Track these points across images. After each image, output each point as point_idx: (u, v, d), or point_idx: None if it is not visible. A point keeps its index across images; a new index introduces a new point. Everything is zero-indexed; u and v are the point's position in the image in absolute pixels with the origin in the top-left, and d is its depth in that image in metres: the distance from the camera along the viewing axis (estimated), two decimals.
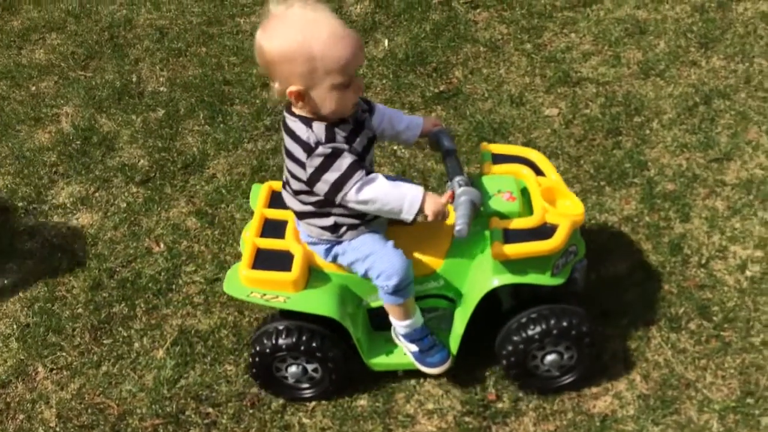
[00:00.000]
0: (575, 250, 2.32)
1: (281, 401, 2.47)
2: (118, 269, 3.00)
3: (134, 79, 4.02)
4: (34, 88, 4.05)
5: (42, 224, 3.25)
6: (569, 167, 3.17)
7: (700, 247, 2.76)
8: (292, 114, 2.08)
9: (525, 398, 2.41)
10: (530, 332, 2.26)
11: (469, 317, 2.28)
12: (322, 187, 2.06)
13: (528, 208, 2.29)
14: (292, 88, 1.97)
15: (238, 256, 2.95)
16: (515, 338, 2.28)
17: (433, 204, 2.09)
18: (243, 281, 2.28)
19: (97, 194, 3.38)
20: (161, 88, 3.94)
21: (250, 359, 2.37)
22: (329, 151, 2.01)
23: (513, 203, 2.24)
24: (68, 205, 3.34)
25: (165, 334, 2.72)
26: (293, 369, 2.38)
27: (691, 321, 2.53)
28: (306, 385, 2.45)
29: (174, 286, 2.90)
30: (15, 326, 2.83)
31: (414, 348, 2.36)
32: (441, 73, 3.78)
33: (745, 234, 2.78)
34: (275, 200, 2.44)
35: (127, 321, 2.80)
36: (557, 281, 2.24)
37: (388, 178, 2.12)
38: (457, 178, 2.16)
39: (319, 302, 2.27)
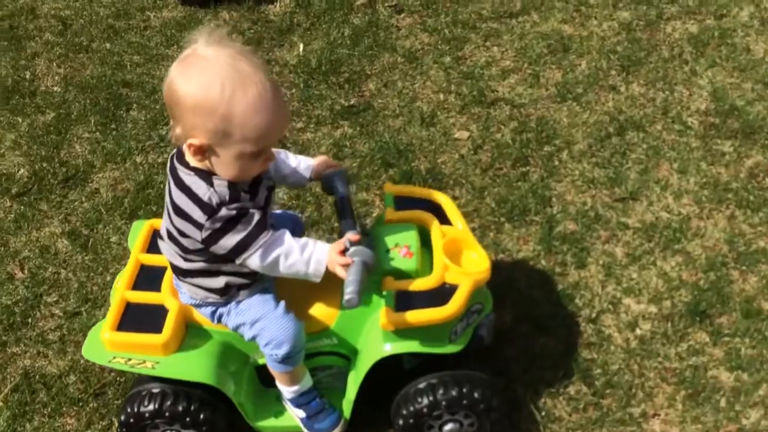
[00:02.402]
0: (479, 309, 2.11)
1: None
2: None
3: (28, 76, 3.74)
4: None
5: None
6: (471, 199, 2.98)
7: (593, 298, 2.59)
8: (186, 165, 1.83)
9: None
10: (427, 400, 2.08)
11: (361, 381, 2.10)
12: (220, 249, 1.84)
13: (428, 263, 2.10)
14: (194, 141, 1.73)
15: (106, 287, 2.75)
16: (411, 407, 2.10)
17: (333, 260, 1.86)
18: (106, 344, 2.06)
19: None
20: (55, 88, 3.67)
21: (121, 424, 2.15)
22: (234, 213, 1.79)
23: (410, 260, 2.04)
24: None
25: (7, 378, 2.50)
26: None
27: (571, 385, 2.36)
28: None
29: (30, 320, 2.68)
30: None
31: (301, 413, 2.17)
32: (354, 84, 3.54)
33: (641, 285, 2.60)
34: (156, 243, 2.16)
35: None
36: (455, 348, 2.05)
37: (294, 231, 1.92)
38: (349, 234, 1.94)
39: (193, 367, 2.06)
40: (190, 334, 2.12)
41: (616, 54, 3.48)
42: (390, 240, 2.10)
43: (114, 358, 2.07)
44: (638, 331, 2.48)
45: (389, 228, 2.15)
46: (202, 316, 2.09)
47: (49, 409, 2.41)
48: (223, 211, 1.79)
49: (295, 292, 2.09)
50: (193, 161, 1.82)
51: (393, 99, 3.44)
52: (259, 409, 2.23)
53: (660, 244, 2.72)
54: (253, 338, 2.03)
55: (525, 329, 2.53)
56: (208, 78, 1.67)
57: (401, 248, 2.09)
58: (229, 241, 1.83)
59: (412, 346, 2.03)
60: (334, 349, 2.18)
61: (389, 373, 2.16)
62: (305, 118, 3.38)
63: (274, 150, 2.06)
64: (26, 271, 2.85)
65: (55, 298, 2.75)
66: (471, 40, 3.69)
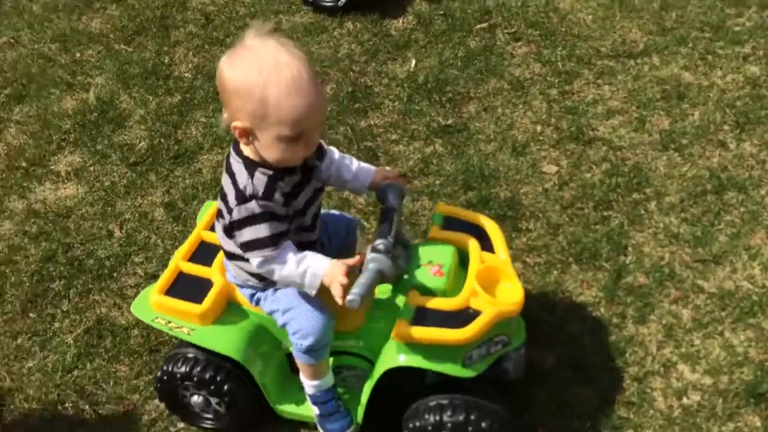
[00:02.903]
0: (504, 341, 2.10)
1: (153, 415, 2.48)
2: (74, 246, 3.10)
3: (166, 61, 4.12)
4: (78, 54, 4.23)
5: (32, 187, 3.42)
6: (544, 234, 2.92)
7: (645, 356, 2.46)
8: (239, 153, 1.98)
9: None
10: (433, 419, 2.09)
11: (373, 387, 2.16)
12: (237, 238, 1.98)
13: (461, 286, 2.11)
14: (238, 124, 1.87)
15: None
16: (417, 422, 2.13)
17: (333, 276, 1.91)
18: (152, 305, 2.26)
19: (91, 168, 3.50)
20: (186, 74, 4.00)
21: (157, 379, 2.35)
22: (259, 211, 1.91)
23: (439, 279, 2.09)
24: (63, 174, 3.48)
25: (82, 321, 2.79)
26: (195, 399, 2.35)
27: None
28: (209, 416, 2.40)
29: (116, 274, 2.96)
30: None
31: (316, 410, 2.27)
32: (455, 104, 3.58)
33: (701, 354, 2.44)
34: None
35: (58, 299, 2.89)
36: (468, 373, 2.05)
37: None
38: (378, 242, 2.01)
39: (223, 341, 2.21)
40: (230, 311, 2.27)
41: (733, 109, 3.27)
42: (425, 256, 2.13)
43: (156, 318, 2.26)
44: (685, 401, 2.33)
45: (429, 245, 2.19)
46: (242, 296, 2.22)
47: (110, 355, 2.66)
48: (252, 203, 1.90)
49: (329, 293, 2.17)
50: (246, 150, 1.95)
51: (490, 124, 3.44)
52: (282, 393, 2.34)
53: (733, 315, 2.53)
54: (284, 325, 2.13)
55: (565, 374, 2.45)
56: (249, 64, 1.80)
57: (434, 266, 2.11)
58: (244, 235, 1.94)
59: (424, 362, 2.04)
60: (360, 351, 2.24)
61: (413, 387, 2.19)
62: (401, 131, 3.47)
63: (339, 153, 2.19)
64: (123, 231, 3.15)
65: (141, 260, 3.02)
66: (582, 76, 3.61)
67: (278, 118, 1.80)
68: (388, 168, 2.29)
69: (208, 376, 2.25)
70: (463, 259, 2.18)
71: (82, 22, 4.50)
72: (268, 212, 1.92)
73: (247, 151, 1.95)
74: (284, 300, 2.12)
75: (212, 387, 2.27)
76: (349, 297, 1.88)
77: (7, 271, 3.03)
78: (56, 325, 2.81)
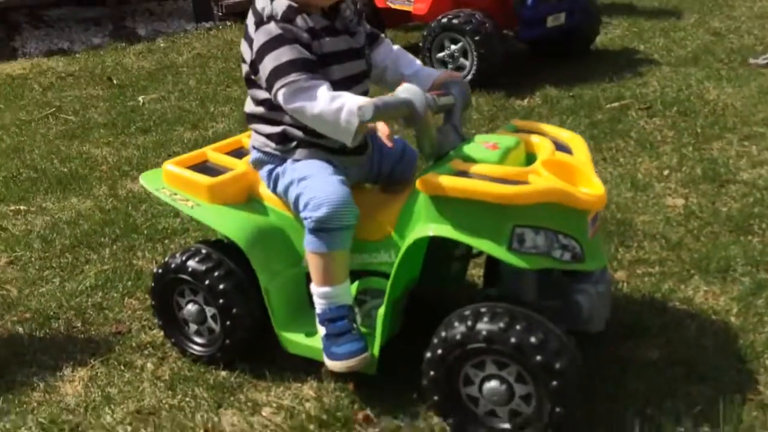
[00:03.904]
0: (574, 249, 1.57)
1: (145, 341, 2.08)
2: (139, 216, 2.93)
3: None
4: (213, 109, 4.39)
5: (124, 183, 3.39)
6: (658, 250, 2.35)
7: None
8: None
9: None
10: (464, 327, 1.53)
11: (398, 293, 1.70)
12: (262, 72, 1.74)
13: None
14: None
15: None
16: (443, 332, 1.57)
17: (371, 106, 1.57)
18: (163, 174, 2.02)
19: None
20: None
21: (155, 273, 2.02)
22: (278, 32, 1.70)
23: (492, 152, 1.65)
24: None
25: (114, 264, 2.56)
26: (190, 308, 1.97)
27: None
28: (196, 338, 2.00)
29: (167, 241, 2.72)
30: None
31: (322, 331, 1.79)
32: None
33: None
34: None
35: (101, 247, 2.69)
36: (514, 260, 1.53)
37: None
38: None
39: (227, 221, 1.88)
40: (249, 205, 1.93)
41: None
42: (484, 138, 1.72)
43: (162, 188, 1.98)
44: None
45: (493, 134, 1.78)
46: (264, 186, 1.90)
47: (125, 291, 2.40)
48: (271, 25, 1.69)
49: (358, 196, 1.79)
50: None
51: (607, 168, 3.02)
52: (291, 318, 1.88)
53: None
54: (296, 200, 1.77)
55: (676, 371, 1.79)
56: None
57: (489, 143, 1.68)
58: (266, 66, 1.69)
59: (459, 234, 1.56)
60: (389, 270, 1.75)
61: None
62: None
63: (399, 47, 1.94)
64: None
65: (198, 236, 2.76)
66: (725, 139, 3.15)
67: None
68: (455, 73, 1.98)
69: (205, 267, 1.88)
70: (531, 161, 1.74)
71: (227, 89, 4.79)
72: (290, 35, 1.68)
73: None
74: (302, 169, 1.78)
75: (207, 283, 1.87)
76: (360, 103, 1.51)
77: (64, 223, 2.91)
78: (86, 266, 2.58)
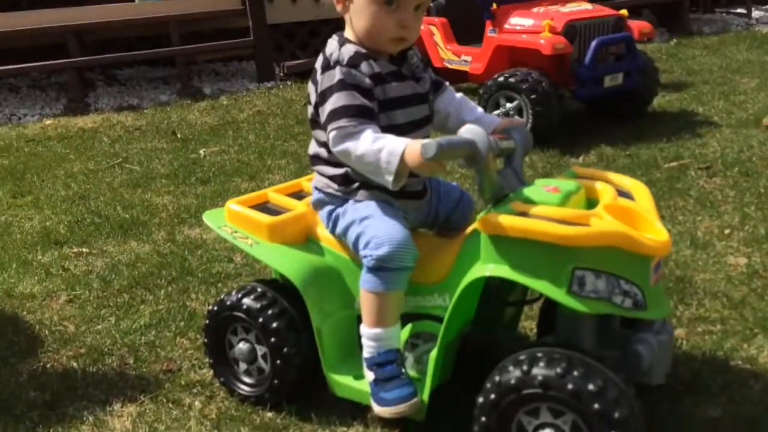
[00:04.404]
0: (636, 296, 1.53)
1: (194, 379, 2.10)
2: (194, 261, 3.00)
3: None
4: (270, 162, 4.51)
5: (182, 229, 3.49)
6: (720, 308, 2.26)
7: None
8: (339, 33, 1.88)
9: None
10: (519, 372, 1.49)
11: (451, 336, 1.68)
12: (322, 114, 1.79)
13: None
14: None
15: None
16: (497, 377, 1.54)
17: (416, 154, 1.59)
18: (225, 213, 2.07)
19: None
20: None
21: (209, 310, 2.05)
22: (340, 77, 1.75)
23: (553, 195, 1.64)
24: None
25: (169, 305, 2.60)
26: (241, 346, 1.98)
27: None
28: (245, 378, 2.01)
29: (220, 285, 2.77)
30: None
31: (371, 376, 1.78)
32: None
33: None
34: None
35: (157, 288, 2.74)
36: (574, 304, 1.50)
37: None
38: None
39: (285, 260, 1.90)
40: (307, 245, 1.95)
41: None
42: (544, 182, 1.71)
43: (224, 226, 2.02)
44: None
45: (554, 179, 1.77)
46: (322, 227, 1.92)
47: (178, 331, 2.43)
48: (336, 69, 1.73)
49: (415, 239, 1.79)
50: (346, 28, 1.82)
51: (666, 225, 2.94)
52: (341, 359, 1.88)
53: None
54: (356, 240, 1.78)
55: (734, 429, 1.68)
56: None
57: (550, 186, 1.67)
58: (327, 108, 1.73)
59: (518, 275, 1.54)
60: (443, 314, 1.74)
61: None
62: None
63: (465, 98, 1.98)
64: (244, 260, 3.01)
65: (250, 279, 2.82)
66: None
67: None
68: (517, 119, 1.99)
69: (260, 305, 1.89)
70: (592, 207, 1.71)
71: (284, 144, 4.91)
72: (351, 81, 1.73)
73: (346, 30, 1.84)
74: (363, 209, 1.80)
75: (261, 321, 1.88)
76: (424, 141, 1.52)
77: (123, 265, 2.99)
78: (142, 306, 2.63)
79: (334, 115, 1.72)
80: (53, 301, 2.73)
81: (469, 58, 4.75)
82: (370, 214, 1.78)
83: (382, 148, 1.65)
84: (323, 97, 1.76)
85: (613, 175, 1.86)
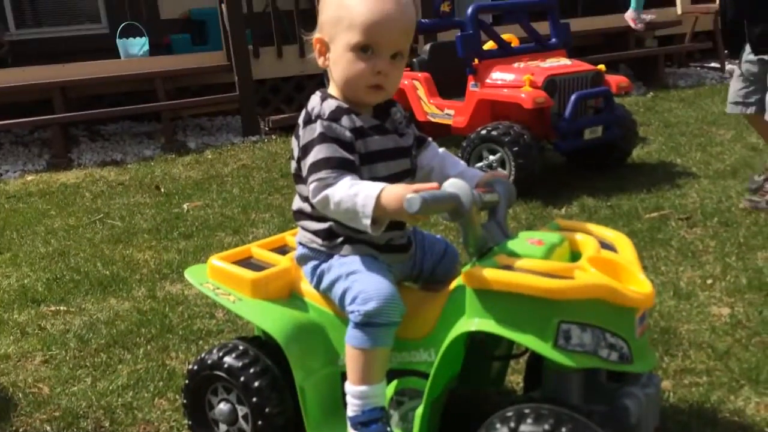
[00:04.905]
0: (622, 349, 1.52)
1: None
2: (174, 318, 2.95)
3: None
4: (254, 216, 4.49)
5: (163, 285, 3.44)
6: (705, 359, 2.25)
7: None
8: (322, 89, 1.90)
9: None
10: (506, 429, 1.48)
11: (437, 392, 1.66)
12: (303, 168, 1.79)
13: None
14: (318, 35, 1.83)
15: None
16: None
17: (394, 197, 1.59)
18: (208, 269, 2.04)
19: None
20: None
21: (189, 369, 2.00)
22: (321, 129, 1.76)
23: (537, 248, 1.64)
24: None
25: (147, 364, 2.54)
26: (222, 407, 1.93)
27: None
28: None
29: (201, 342, 2.71)
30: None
31: None
32: None
33: None
34: None
35: (135, 347, 2.68)
36: (560, 358, 1.49)
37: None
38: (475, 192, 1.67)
39: (267, 317, 1.88)
40: (291, 301, 1.93)
41: None
42: (528, 234, 1.71)
43: (207, 282, 1.99)
44: None
45: (538, 231, 1.77)
46: (306, 283, 1.90)
47: (156, 391, 2.38)
48: (317, 123, 1.74)
49: (401, 293, 1.78)
50: (333, 90, 1.84)
51: (648, 275, 2.93)
52: (325, 418, 1.83)
53: None
54: (343, 295, 1.76)
55: None
56: None
57: (534, 239, 1.67)
58: (308, 161, 1.74)
59: (504, 329, 1.52)
60: (428, 370, 1.71)
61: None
62: None
63: (449, 154, 1.99)
64: (226, 316, 2.97)
65: (232, 337, 2.78)
66: None
67: (350, 20, 1.71)
68: (500, 170, 2.00)
69: (241, 363, 1.85)
70: (575, 259, 1.71)
71: (269, 197, 4.90)
72: (331, 134, 1.73)
73: (330, 89, 1.85)
74: (349, 264, 1.78)
75: (243, 380, 1.84)
76: (408, 195, 1.52)
77: (101, 323, 2.93)
78: (120, 365, 2.57)
79: (315, 167, 1.72)
80: (28, 361, 2.66)
81: (452, 112, 4.82)
82: (356, 269, 1.77)
83: (358, 192, 1.65)
84: (305, 151, 1.76)
85: (595, 227, 1.87)
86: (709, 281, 2.86)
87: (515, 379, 2.21)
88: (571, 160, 4.78)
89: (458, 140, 4.49)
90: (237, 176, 5.35)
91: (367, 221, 1.63)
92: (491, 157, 4.18)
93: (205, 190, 5.03)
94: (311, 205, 1.81)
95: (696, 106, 6.55)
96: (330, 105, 1.79)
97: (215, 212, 4.49)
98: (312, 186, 1.72)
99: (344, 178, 1.70)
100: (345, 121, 1.77)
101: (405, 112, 1.95)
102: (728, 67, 8.55)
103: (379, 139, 1.81)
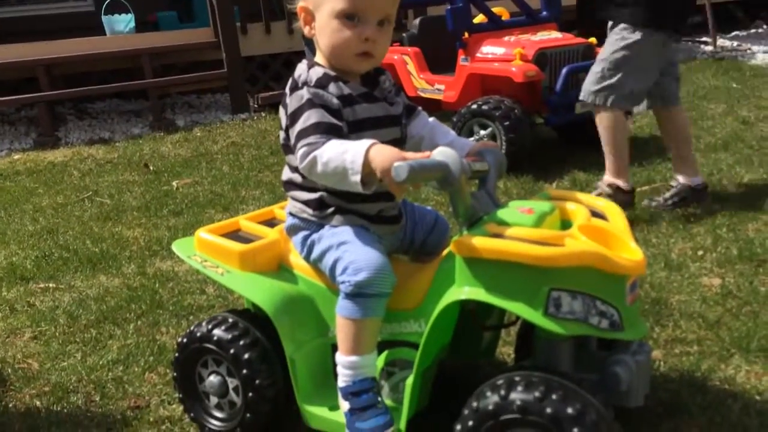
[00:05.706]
0: (612, 316, 1.51)
1: (163, 416, 2.02)
2: (164, 293, 2.93)
3: None
4: (244, 193, 4.48)
5: (153, 262, 3.42)
6: (696, 329, 2.25)
7: None
8: (309, 58, 1.87)
9: None
10: (497, 397, 1.46)
11: (427, 362, 1.65)
12: (292, 136, 1.76)
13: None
14: (302, 3, 1.79)
15: None
16: (475, 403, 1.50)
17: (383, 157, 1.57)
18: (195, 241, 2.02)
19: None
20: None
21: (179, 342, 1.98)
22: (308, 96, 1.73)
23: (527, 216, 1.62)
24: None
25: (138, 339, 2.53)
26: (212, 379, 1.92)
27: None
28: (216, 413, 1.94)
29: (192, 317, 2.70)
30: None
31: (346, 406, 1.73)
32: None
33: None
34: None
35: (126, 323, 2.67)
36: (551, 325, 1.48)
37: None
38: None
39: (256, 289, 1.86)
40: (280, 274, 1.91)
41: None
42: (519, 203, 1.70)
43: (194, 255, 1.97)
44: None
45: (528, 200, 1.76)
46: (296, 255, 1.88)
47: (147, 366, 2.37)
48: (303, 90, 1.72)
49: (392, 263, 1.77)
50: (319, 59, 1.81)
51: (640, 247, 2.95)
52: (315, 390, 1.82)
53: None
54: (333, 265, 1.74)
55: None
56: None
57: (525, 208, 1.66)
58: (296, 128, 1.71)
59: (493, 297, 1.51)
60: (419, 341, 1.70)
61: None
62: None
63: (434, 119, 1.96)
64: (217, 291, 2.96)
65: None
66: (761, 220, 3.08)
67: None
68: (490, 142, 1.98)
69: (231, 336, 1.84)
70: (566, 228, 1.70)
71: (259, 175, 4.87)
72: (318, 101, 1.71)
73: (316, 57, 1.82)
74: (341, 235, 1.77)
75: (233, 352, 1.83)
76: (396, 163, 1.50)
77: (91, 300, 2.92)
78: (110, 341, 2.55)
79: (304, 132, 1.70)
80: (17, 338, 2.65)
81: (442, 87, 4.78)
82: (347, 240, 1.75)
83: (347, 149, 1.62)
84: (293, 118, 1.74)
85: (586, 196, 1.85)
86: (700, 252, 2.86)
87: (507, 351, 2.21)
88: (562, 135, 4.76)
89: (449, 115, 4.46)
90: (226, 153, 5.31)
91: (357, 177, 1.59)
92: (482, 132, 4.15)
93: (194, 168, 4.99)
94: (301, 175, 1.79)
95: (687, 81, 6.51)
96: (317, 72, 1.76)
97: (205, 189, 4.46)
98: (301, 152, 1.69)
99: (332, 139, 1.67)
100: (332, 88, 1.74)
101: (394, 82, 1.93)
102: (719, 41, 8.53)
103: (367, 107, 1.78)
